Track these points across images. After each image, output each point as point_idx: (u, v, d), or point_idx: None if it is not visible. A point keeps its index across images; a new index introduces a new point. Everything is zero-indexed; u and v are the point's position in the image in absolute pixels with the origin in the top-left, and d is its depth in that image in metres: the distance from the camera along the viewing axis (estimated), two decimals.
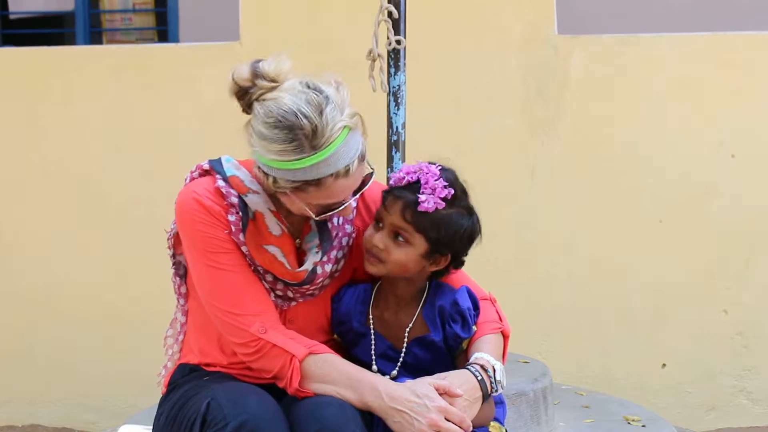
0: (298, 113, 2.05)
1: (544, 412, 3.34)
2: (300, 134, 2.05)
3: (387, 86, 3.01)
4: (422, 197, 2.16)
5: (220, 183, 2.22)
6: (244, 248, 2.21)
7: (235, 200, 2.21)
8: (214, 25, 5.22)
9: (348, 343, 2.31)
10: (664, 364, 4.54)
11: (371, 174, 2.21)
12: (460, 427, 2.09)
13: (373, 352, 2.27)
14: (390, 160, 3.04)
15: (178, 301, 2.38)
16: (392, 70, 3.02)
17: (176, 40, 5.58)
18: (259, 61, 2.18)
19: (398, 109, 3.02)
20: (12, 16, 6.03)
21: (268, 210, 2.22)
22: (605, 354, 4.51)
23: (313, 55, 3.83)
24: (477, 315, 2.26)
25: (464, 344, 2.25)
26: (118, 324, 4.48)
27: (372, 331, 2.27)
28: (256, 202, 2.22)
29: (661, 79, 4.50)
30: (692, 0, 5.64)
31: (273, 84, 2.12)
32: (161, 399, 2.34)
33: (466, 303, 2.23)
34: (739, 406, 4.57)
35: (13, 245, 4.56)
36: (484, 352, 2.22)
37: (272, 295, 2.25)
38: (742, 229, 4.50)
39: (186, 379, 2.30)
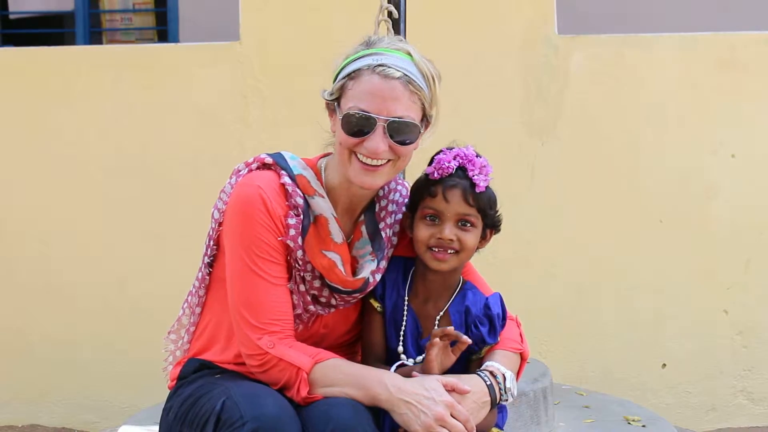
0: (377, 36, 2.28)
1: (544, 412, 3.34)
2: (364, 41, 2.24)
3: None
4: (477, 179, 2.21)
5: (287, 180, 2.21)
6: (299, 252, 2.19)
7: (300, 201, 2.20)
8: (214, 25, 5.23)
9: (386, 310, 2.30)
10: (664, 364, 4.54)
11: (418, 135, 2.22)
12: (464, 426, 2.10)
13: (402, 332, 2.27)
14: None
15: (198, 291, 2.34)
16: None
17: (176, 40, 5.58)
18: None
19: None
20: (12, 16, 6.03)
21: (332, 216, 2.22)
22: (605, 354, 4.51)
23: (313, 55, 3.83)
24: (503, 325, 2.27)
25: (483, 351, 2.26)
26: (118, 324, 4.48)
27: (405, 312, 2.28)
28: (322, 207, 2.21)
29: (661, 79, 4.50)
30: (692, 0, 5.64)
31: None
32: (170, 393, 2.33)
33: (497, 309, 2.25)
34: (739, 406, 4.57)
35: (13, 245, 4.56)
36: (496, 362, 2.23)
37: (314, 301, 2.24)
38: (742, 229, 4.50)
39: (197, 375, 2.29)
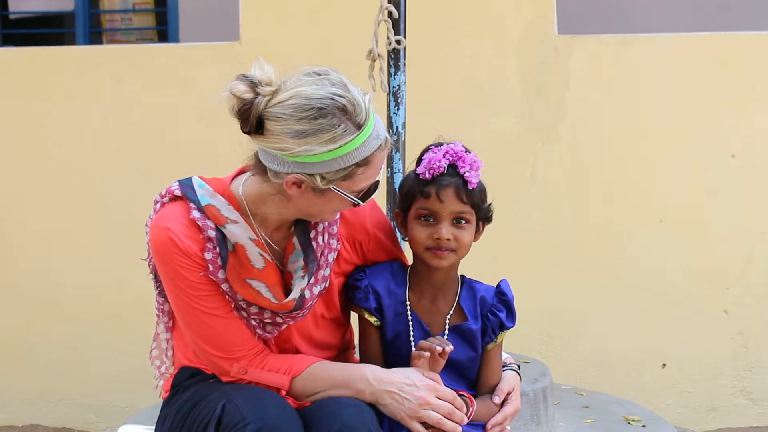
0: (334, 97, 1.97)
1: (544, 412, 3.34)
2: (344, 117, 1.96)
3: (387, 86, 3.02)
4: (469, 175, 2.19)
5: (196, 214, 2.10)
6: (224, 285, 2.12)
7: (212, 234, 2.09)
8: (214, 25, 5.22)
9: (385, 321, 2.27)
10: (664, 364, 4.54)
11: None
12: (452, 404, 2.12)
13: (412, 336, 2.26)
14: (390, 160, 3.04)
15: (161, 318, 2.31)
16: (392, 70, 3.03)
17: (176, 40, 5.58)
18: (241, 76, 2.09)
19: (398, 109, 3.03)
20: (12, 16, 6.03)
21: (249, 240, 2.11)
22: (605, 354, 4.51)
23: (313, 55, 3.83)
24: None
25: (499, 338, 2.29)
26: (118, 324, 4.48)
27: (410, 317, 2.27)
28: (236, 234, 2.10)
29: (661, 79, 4.50)
30: (692, 0, 5.64)
31: (273, 88, 2.03)
32: (164, 402, 2.30)
33: (510, 293, 2.30)
34: (739, 406, 4.57)
35: (13, 245, 4.56)
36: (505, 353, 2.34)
37: (260, 325, 2.18)
38: (742, 229, 4.50)
39: (191, 381, 2.26)
